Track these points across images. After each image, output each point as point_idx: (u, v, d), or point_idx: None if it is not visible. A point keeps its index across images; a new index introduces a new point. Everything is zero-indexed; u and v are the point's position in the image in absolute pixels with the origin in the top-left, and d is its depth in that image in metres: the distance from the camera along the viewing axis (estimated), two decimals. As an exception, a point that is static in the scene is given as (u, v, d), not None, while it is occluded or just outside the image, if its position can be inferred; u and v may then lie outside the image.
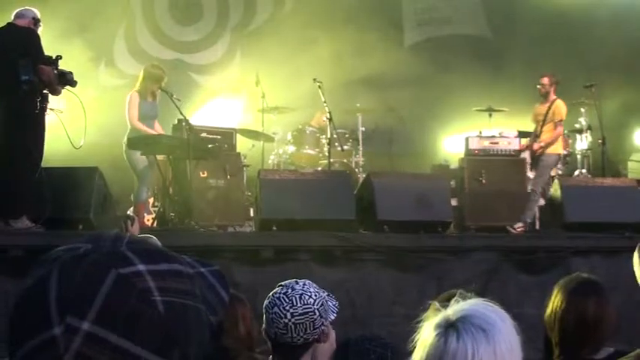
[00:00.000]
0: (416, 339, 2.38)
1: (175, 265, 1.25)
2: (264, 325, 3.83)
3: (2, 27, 9.82)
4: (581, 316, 4.19)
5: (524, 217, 11.86)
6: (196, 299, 1.26)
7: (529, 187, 12.21)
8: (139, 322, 1.19)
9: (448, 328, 2.30)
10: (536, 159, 12.74)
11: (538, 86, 12.96)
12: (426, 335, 2.34)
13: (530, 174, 12.54)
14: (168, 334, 1.21)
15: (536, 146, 12.69)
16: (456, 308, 2.34)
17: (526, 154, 12.72)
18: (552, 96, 12.90)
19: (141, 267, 1.22)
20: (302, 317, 3.72)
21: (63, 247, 1.25)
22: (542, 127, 12.71)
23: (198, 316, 1.26)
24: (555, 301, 4.28)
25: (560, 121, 12.70)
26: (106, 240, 1.25)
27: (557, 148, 12.82)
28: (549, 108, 12.72)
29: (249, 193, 11.89)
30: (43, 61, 9.43)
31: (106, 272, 1.20)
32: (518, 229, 11.63)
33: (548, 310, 4.30)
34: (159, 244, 5.23)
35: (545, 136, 12.61)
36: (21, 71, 9.15)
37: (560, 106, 12.72)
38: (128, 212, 10.92)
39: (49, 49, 9.82)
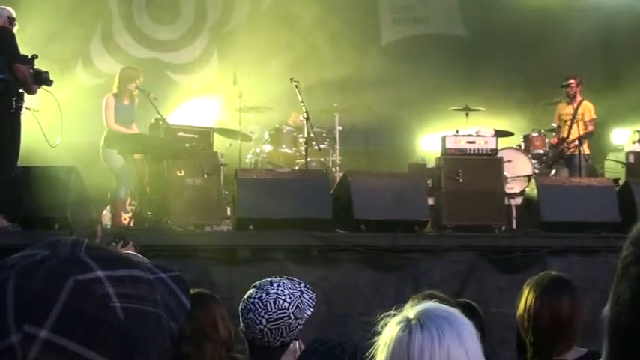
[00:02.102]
0: (377, 341, 2.40)
1: (135, 271, 1.23)
2: (241, 326, 3.81)
3: (-23, 26, 9.76)
4: (556, 315, 4.19)
5: None
6: (157, 305, 1.24)
7: None
8: (99, 329, 1.17)
9: (411, 321, 2.34)
10: (569, 160, 12.97)
11: (567, 88, 13.14)
12: (388, 333, 2.36)
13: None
14: (129, 341, 1.19)
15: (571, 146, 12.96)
16: (414, 308, 2.39)
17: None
18: (579, 96, 13.12)
19: (100, 273, 1.19)
20: (277, 322, 3.68)
21: (20, 254, 1.22)
22: (570, 127, 12.92)
23: (159, 322, 1.24)
24: (528, 300, 4.27)
25: (591, 120, 13.04)
26: (64, 246, 1.22)
27: (586, 149, 13.05)
28: (577, 109, 12.95)
29: (227, 193, 11.85)
30: (19, 60, 9.38)
31: (64, 279, 1.18)
32: None
33: (520, 310, 4.29)
34: (147, 262, 5.15)
35: (575, 135, 12.86)
36: (-4, 70, 9.10)
37: (590, 107, 13.17)
38: (106, 220, 10.91)
39: (24, 47, 9.77)
